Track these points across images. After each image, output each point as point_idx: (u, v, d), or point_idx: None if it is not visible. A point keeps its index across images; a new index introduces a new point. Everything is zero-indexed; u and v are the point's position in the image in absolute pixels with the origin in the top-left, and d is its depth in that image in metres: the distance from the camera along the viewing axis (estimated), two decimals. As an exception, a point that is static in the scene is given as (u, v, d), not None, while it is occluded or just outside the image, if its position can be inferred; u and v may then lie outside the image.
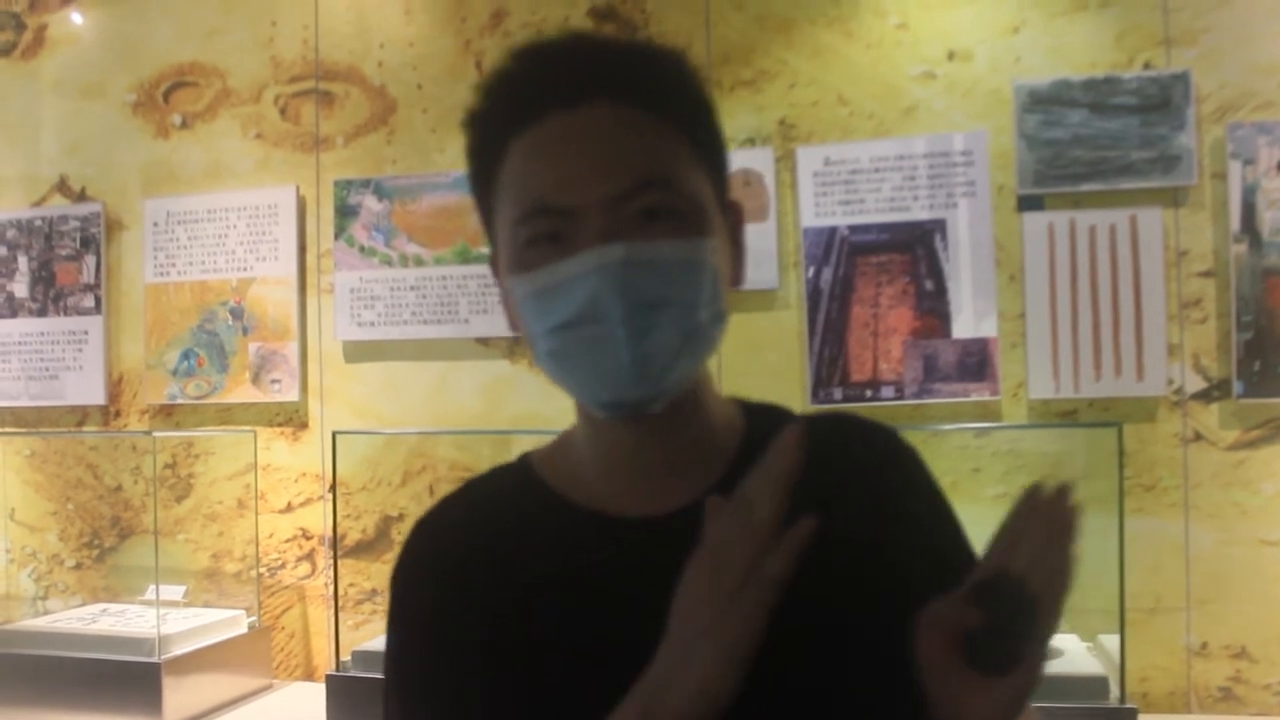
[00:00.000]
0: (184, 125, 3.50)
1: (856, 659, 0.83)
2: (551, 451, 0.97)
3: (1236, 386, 2.68)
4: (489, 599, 0.89)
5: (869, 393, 2.87)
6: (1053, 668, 2.47)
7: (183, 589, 3.28)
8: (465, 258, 3.16)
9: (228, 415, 3.42)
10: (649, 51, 0.89)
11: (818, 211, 2.91)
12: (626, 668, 0.81)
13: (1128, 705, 2.39)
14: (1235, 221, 2.69)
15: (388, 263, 3.23)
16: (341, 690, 2.77)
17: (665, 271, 0.80)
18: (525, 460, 0.98)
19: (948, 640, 0.77)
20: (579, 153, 0.82)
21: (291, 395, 3.32)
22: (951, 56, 2.89)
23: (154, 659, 2.86)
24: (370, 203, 3.25)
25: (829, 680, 0.82)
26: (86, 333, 3.55)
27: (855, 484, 0.90)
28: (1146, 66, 2.76)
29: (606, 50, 0.88)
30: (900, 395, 2.85)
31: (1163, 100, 2.73)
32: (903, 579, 0.85)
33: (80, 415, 3.59)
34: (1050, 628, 0.75)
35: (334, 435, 3.13)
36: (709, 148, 0.88)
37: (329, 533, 3.26)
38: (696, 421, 0.90)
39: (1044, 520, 0.76)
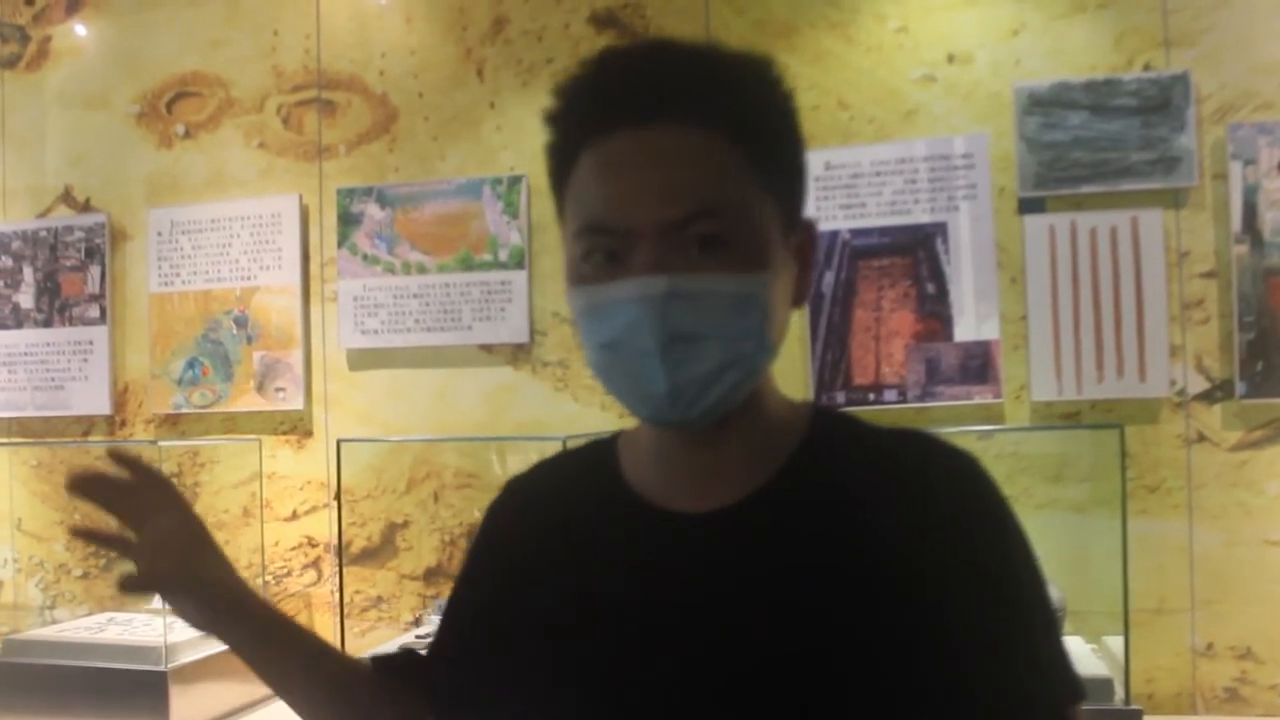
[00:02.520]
0: (187, 135, 3.51)
1: (885, 691, 0.82)
2: (632, 436, 1.00)
3: (1239, 387, 2.68)
4: (534, 566, 0.97)
5: (872, 396, 2.87)
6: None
7: (189, 597, 3.28)
8: (468, 265, 3.17)
9: (233, 424, 3.43)
10: (730, 65, 0.88)
11: (819, 215, 2.91)
12: (635, 651, 0.87)
13: (1133, 707, 2.38)
14: (1236, 222, 2.70)
15: (391, 270, 3.24)
16: (348, 697, 2.77)
17: (708, 306, 0.81)
18: (614, 439, 1.02)
19: None
20: (640, 175, 0.83)
21: (296, 403, 3.33)
22: (951, 60, 2.89)
23: (161, 667, 2.86)
24: (373, 211, 3.26)
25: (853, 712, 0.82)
26: (91, 343, 3.56)
27: (924, 519, 0.85)
28: (1146, 68, 2.76)
29: (686, 65, 0.87)
30: (903, 398, 2.85)
31: (1163, 101, 2.73)
32: (949, 639, 0.82)
33: (86, 425, 3.61)
34: None
35: (339, 443, 3.13)
36: (781, 170, 0.89)
37: (334, 540, 3.26)
38: (749, 429, 0.91)
39: None
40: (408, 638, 3.00)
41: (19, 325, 3.65)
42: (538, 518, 1.01)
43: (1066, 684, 0.86)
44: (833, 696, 0.81)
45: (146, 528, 1.02)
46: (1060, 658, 0.86)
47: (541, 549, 0.98)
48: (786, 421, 0.93)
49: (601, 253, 0.84)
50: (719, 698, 0.83)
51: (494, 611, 1.00)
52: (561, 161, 0.89)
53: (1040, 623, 0.86)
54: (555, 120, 0.90)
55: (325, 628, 3.31)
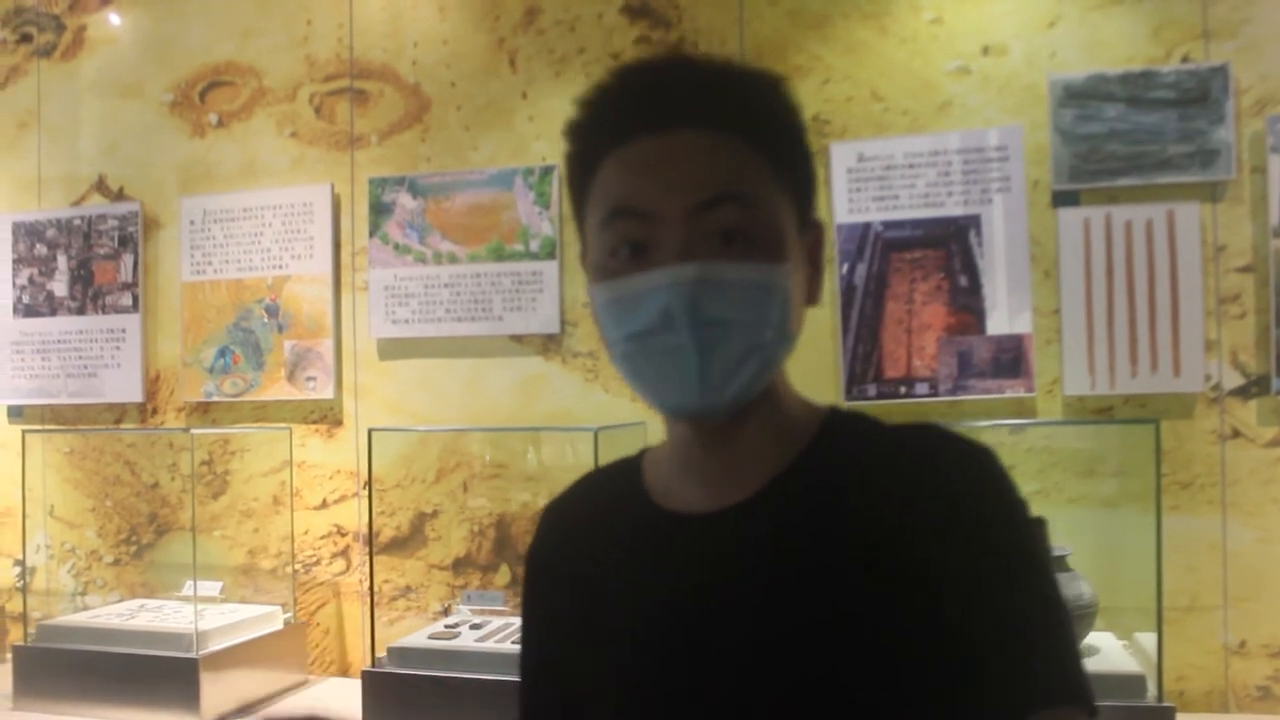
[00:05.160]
0: (220, 124, 3.53)
1: (883, 682, 0.82)
2: (656, 449, 1.03)
3: (1275, 383, 2.65)
4: (573, 585, 1.00)
5: (903, 389, 2.86)
6: (1089, 666, 2.46)
7: (219, 585, 3.31)
8: (499, 255, 3.17)
9: (263, 412, 3.45)
10: (743, 76, 0.92)
11: (851, 208, 2.90)
12: (649, 650, 0.90)
13: (1165, 704, 2.37)
14: (1275, 216, 2.67)
15: (422, 260, 3.25)
16: (377, 686, 2.79)
17: (735, 292, 0.84)
18: (639, 455, 1.05)
19: None
20: (665, 169, 0.86)
21: (326, 393, 3.35)
22: (986, 51, 2.87)
23: (192, 654, 2.89)
24: (405, 200, 3.27)
25: (850, 697, 0.82)
26: (124, 331, 3.58)
27: (932, 509, 0.84)
28: (1184, 60, 2.74)
29: (700, 75, 0.91)
30: (934, 392, 2.84)
31: (1201, 94, 2.70)
32: (951, 629, 0.81)
33: (118, 413, 3.63)
34: None
35: (370, 432, 3.14)
36: (794, 171, 0.91)
37: (364, 529, 3.28)
38: (762, 428, 0.92)
39: None
40: (436, 627, 3.01)
41: (53, 312, 3.68)
42: (577, 546, 1.03)
43: (1059, 681, 0.82)
44: (842, 684, 0.82)
45: None
46: (1060, 657, 0.83)
47: (582, 574, 1.00)
48: (801, 420, 0.95)
49: (628, 244, 0.86)
50: (735, 692, 0.84)
51: (563, 643, 1.01)
52: (582, 170, 0.92)
53: (1040, 617, 0.83)
54: (576, 131, 0.93)
55: (354, 617, 3.33)
